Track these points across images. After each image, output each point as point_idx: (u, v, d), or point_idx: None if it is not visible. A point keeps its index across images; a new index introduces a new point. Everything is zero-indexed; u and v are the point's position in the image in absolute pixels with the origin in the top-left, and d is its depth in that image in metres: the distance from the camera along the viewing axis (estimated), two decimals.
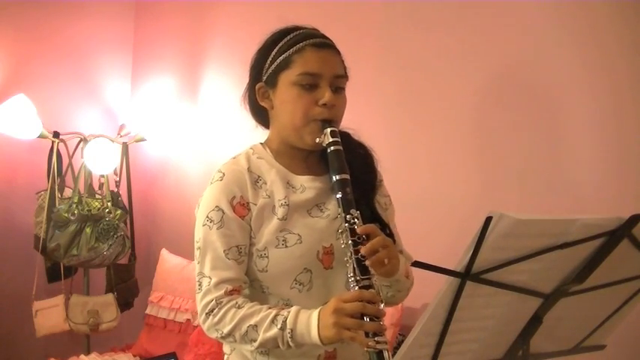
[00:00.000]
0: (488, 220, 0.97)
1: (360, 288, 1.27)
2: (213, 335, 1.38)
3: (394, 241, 1.45)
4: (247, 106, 1.53)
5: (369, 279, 1.28)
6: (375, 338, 1.22)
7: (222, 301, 1.36)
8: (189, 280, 2.90)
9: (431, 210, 2.38)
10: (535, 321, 1.15)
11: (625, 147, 2.00)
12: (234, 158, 1.48)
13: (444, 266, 1.02)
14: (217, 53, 3.20)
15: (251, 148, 1.50)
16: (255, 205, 1.41)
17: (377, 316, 1.24)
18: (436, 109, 2.41)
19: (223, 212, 1.39)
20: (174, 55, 3.40)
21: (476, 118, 2.32)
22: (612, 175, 2.03)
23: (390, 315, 2.26)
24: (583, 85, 2.07)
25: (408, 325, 2.32)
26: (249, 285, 1.43)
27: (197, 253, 1.42)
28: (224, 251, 1.38)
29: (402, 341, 1.19)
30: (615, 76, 2.01)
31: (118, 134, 3.26)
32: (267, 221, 1.41)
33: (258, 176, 1.44)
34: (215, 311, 1.35)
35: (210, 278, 1.37)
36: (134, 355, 2.90)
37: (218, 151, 3.11)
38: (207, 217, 1.40)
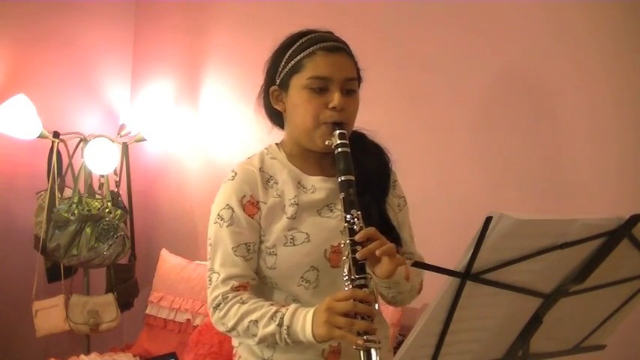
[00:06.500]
0: (489, 220, 0.97)
1: (354, 287, 1.29)
2: (220, 329, 1.43)
3: (400, 243, 1.47)
4: (263, 109, 1.55)
5: (364, 278, 1.29)
6: (365, 337, 1.23)
7: (228, 297, 1.40)
8: (189, 280, 2.90)
9: (434, 210, 2.38)
10: (535, 321, 1.15)
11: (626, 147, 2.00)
12: (248, 158, 1.53)
13: (446, 266, 1.02)
14: (217, 53, 3.20)
15: (266, 149, 1.54)
16: (265, 204, 1.45)
17: (369, 315, 1.25)
18: (440, 109, 2.41)
19: (233, 210, 1.44)
20: (174, 55, 3.39)
21: (480, 118, 2.32)
22: (614, 175, 2.03)
23: (390, 315, 2.26)
24: (586, 86, 2.07)
25: (408, 325, 2.32)
26: (261, 281, 1.47)
27: (209, 249, 1.47)
28: (232, 248, 1.42)
29: (402, 341, 1.18)
30: (617, 77, 2.01)
31: (118, 134, 3.26)
32: (277, 220, 1.44)
33: (270, 176, 1.48)
34: (221, 306, 1.40)
35: (219, 274, 1.42)
36: (134, 355, 2.90)
37: (218, 151, 3.08)
38: (219, 215, 1.45)
